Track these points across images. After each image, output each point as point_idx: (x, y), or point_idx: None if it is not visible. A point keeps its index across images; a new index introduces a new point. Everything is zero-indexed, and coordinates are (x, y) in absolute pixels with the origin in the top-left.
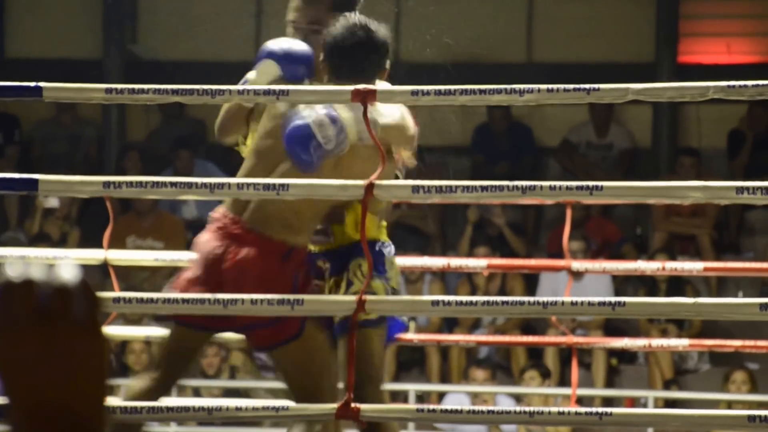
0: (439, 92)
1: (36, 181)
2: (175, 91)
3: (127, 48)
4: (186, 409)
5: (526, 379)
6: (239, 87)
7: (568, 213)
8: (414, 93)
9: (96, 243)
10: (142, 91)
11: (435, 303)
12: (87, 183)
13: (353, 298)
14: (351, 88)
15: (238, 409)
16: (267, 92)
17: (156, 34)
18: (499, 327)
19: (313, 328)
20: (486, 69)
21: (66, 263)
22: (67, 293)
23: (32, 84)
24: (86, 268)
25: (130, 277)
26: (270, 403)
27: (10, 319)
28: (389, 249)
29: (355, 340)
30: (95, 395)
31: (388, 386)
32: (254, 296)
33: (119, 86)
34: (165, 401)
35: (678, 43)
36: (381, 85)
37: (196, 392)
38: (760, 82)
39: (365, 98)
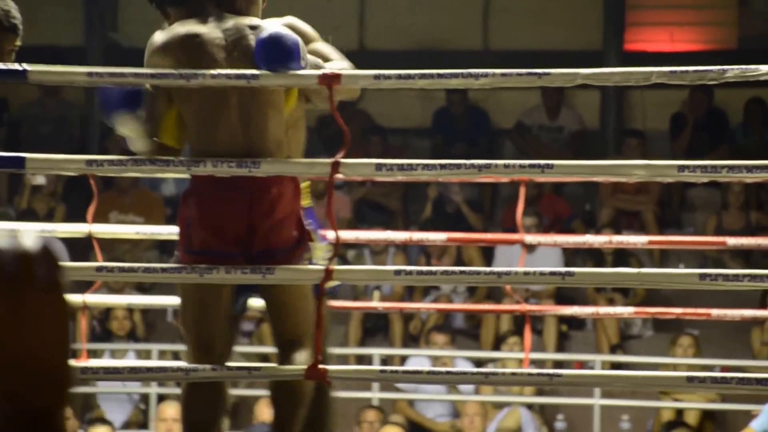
0: (399, 76)
1: (23, 159)
2: (152, 75)
3: (107, 35)
4: (164, 369)
5: (509, 344)
6: (212, 72)
7: (522, 191)
8: (377, 77)
9: (81, 218)
10: (122, 74)
11: (398, 272)
12: (71, 161)
13: (321, 267)
14: (318, 72)
15: (213, 369)
16: (239, 77)
17: (135, 23)
18: (469, 298)
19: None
20: (445, 56)
21: (29, 232)
22: (29, 259)
23: (18, 67)
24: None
25: (114, 249)
26: (244, 365)
27: None
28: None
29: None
30: (59, 352)
31: (354, 350)
32: (230, 266)
33: (101, 69)
34: (146, 363)
35: (624, 32)
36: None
37: (176, 356)
38: (700, 68)
39: (330, 82)
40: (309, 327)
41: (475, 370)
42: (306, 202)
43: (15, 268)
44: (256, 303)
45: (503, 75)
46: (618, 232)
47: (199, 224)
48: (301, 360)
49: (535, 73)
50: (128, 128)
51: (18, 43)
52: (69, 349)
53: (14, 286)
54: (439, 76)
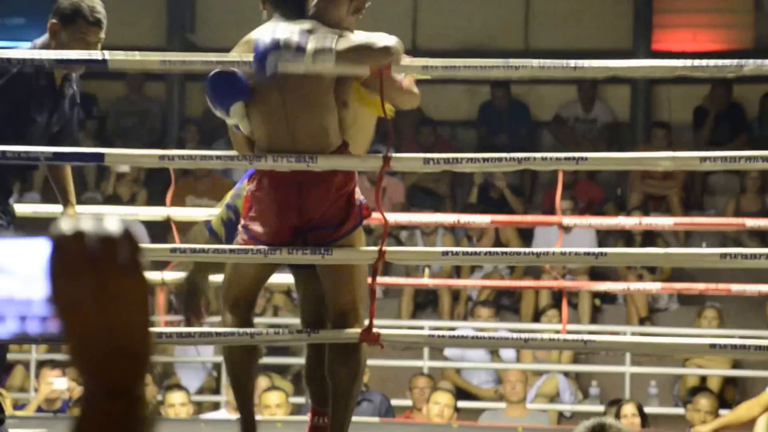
0: (446, 67)
1: (102, 155)
2: (219, 62)
3: (186, 36)
4: (232, 333)
5: (549, 316)
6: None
7: (560, 177)
8: (425, 67)
9: (160, 202)
10: (191, 62)
11: (445, 253)
12: (146, 156)
13: (376, 249)
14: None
15: (276, 333)
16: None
17: (211, 24)
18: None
19: (360, 236)
20: (489, 54)
21: (112, 217)
22: (112, 242)
23: (99, 56)
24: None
25: (189, 230)
26: (303, 330)
27: (65, 266)
28: None
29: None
30: (140, 328)
31: (406, 323)
32: (292, 247)
33: (172, 58)
34: (215, 328)
35: (652, 33)
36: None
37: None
38: (720, 62)
39: (381, 72)
40: (360, 299)
41: (515, 335)
42: None
43: (99, 251)
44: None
45: (540, 67)
46: (646, 214)
47: (256, 215)
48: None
49: (569, 66)
50: (238, 117)
51: (102, 36)
52: (149, 326)
53: (98, 268)
54: (482, 67)
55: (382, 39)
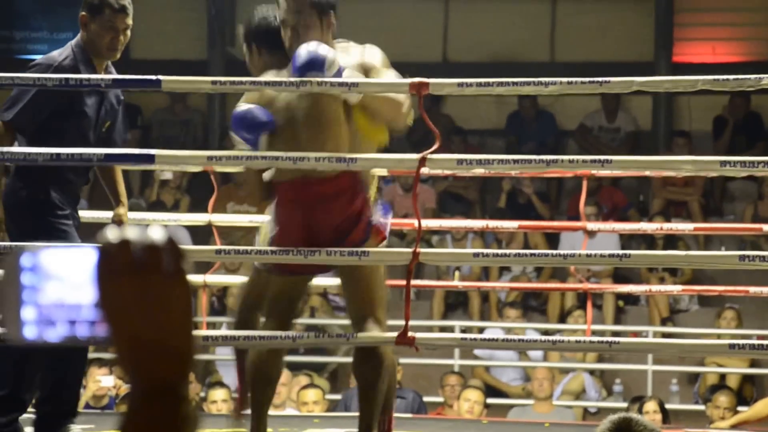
0: (480, 84)
1: (153, 156)
2: (267, 83)
3: (227, 50)
4: (275, 337)
5: (575, 316)
6: (317, 79)
7: (584, 183)
8: (460, 85)
9: (202, 208)
10: (241, 82)
11: (476, 255)
12: (194, 157)
13: (410, 250)
14: (409, 80)
15: (317, 336)
16: (342, 84)
17: None
18: (530, 277)
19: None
20: (517, 67)
21: (155, 224)
22: (157, 249)
23: (153, 77)
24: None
25: (230, 235)
26: (342, 333)
27: (111, 272)
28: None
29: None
30: (183, 331)
31: (438, 323)
32: (329, 249)
33: (223, 78)
34: (258, 332)
35: (673, 46)
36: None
37: None
38: (739, 76)
39: (419, 89)
40: (379, 304)
41: (544, 338)
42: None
43: (144, 258)
44: None
45: (569, 83)
46: (668, 219)
47: (277, 237)
48: (374, 332)
49: (597, 81)
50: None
51: (129, 21)
52: (191, 328)
53: (143, 273)
54: (514, 83)
55: (401, 97)
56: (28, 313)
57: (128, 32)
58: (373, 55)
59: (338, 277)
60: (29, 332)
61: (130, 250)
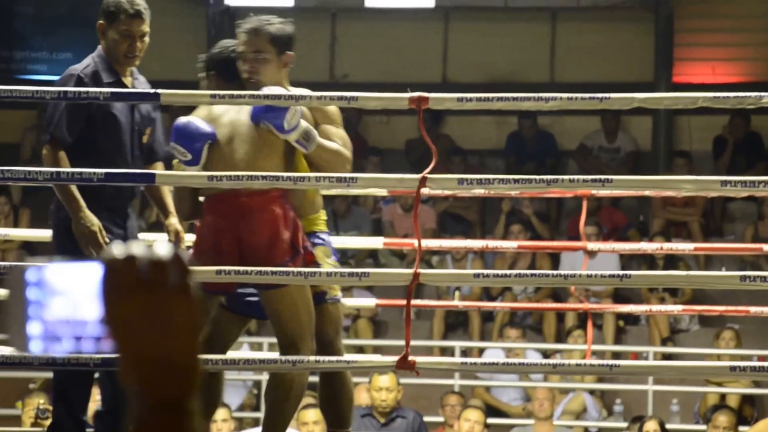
0: (480, 99)
1: (153, 175)
2: (266, 96)
3: None
4: (275, 361)
5: (574, 336)
6: (317, 93)
7: (584, 203)
8: (460, 99)
9: None
10: (240, 96)
11: (477, 275)
12: (195, 177)
13: (410, 271)
14: (408, 95)
15: (317, 361)
16: (341, 98)
17: None
18: (530, 297)
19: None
20: (517, 87)
21: (161, 242)
22: (163, 266)
23: (152, 91)
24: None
25: None
26: (342, 357)
27: (118, 288)
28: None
29: (322, 312)
30: (189, 347)
31: (438, 343)
32: (331, 269)
33: (221, 92)
34: (258, 355)
35: (672, 67)
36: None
37: None
38: (739, 94)
39: (419, 104)
40: (299, 333)
41: (545, 361)
42: (321, 227)
43: (150, 273)
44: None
45: (569, 99)
46: (668, 239)
47: (199, 248)
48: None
49: (597, 98)
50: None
51: (145, 28)
52: (198, 344)
53: (150, 290)
54: (514, 98)
55: (344, 151)
56: (34, 328)
57: (146, 39)
58: (327, 109)
59: (262, 300)
60: (35, 347)
61: (136, 266)
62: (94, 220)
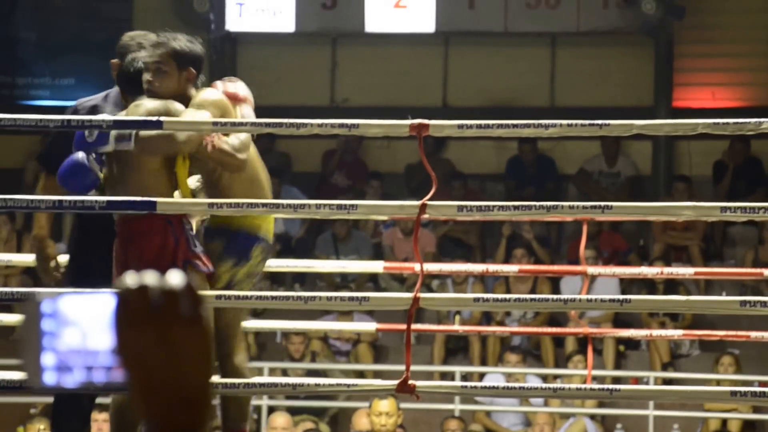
0: (480, 126)
1: (154, 203)
2: (267, 124)
3: None
4: (275, 384)
5: (574, 361)
6: (318, 121)
7: (584, 228)
8: (460, 126)
9: None
10: (242, 123)
11: (477, 300)
12: (196, 204)
13: (410, 295)
14: (409, 122)
15: (317, 385)
16: (342, 126)
17: (250, 85)
18: (530, 321)
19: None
20: (517, 112)
21: (173, 272)
22: (175, 296)
23: (154, 119)
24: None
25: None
26: (342, 381)
27: (131, 318)
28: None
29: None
30: (202, 377)
31: (438, 368)
32: (330, 294)
33: (224, 120)
34: (259, 379)
35: (672, 91)
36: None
37: (284, 372)
38: (739, 120)
39: (420, 131)
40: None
41: (545, 385)
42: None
43: (162, 304)
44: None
45: (569, 125)
46: (668, 264)
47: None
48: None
49: (596, 124)
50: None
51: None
52: (210, 374)
53: (161, 320)
54: (514, 126)
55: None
56: (48, 359)
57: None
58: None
59: None
60: (49, 378)
61: (148, 296)
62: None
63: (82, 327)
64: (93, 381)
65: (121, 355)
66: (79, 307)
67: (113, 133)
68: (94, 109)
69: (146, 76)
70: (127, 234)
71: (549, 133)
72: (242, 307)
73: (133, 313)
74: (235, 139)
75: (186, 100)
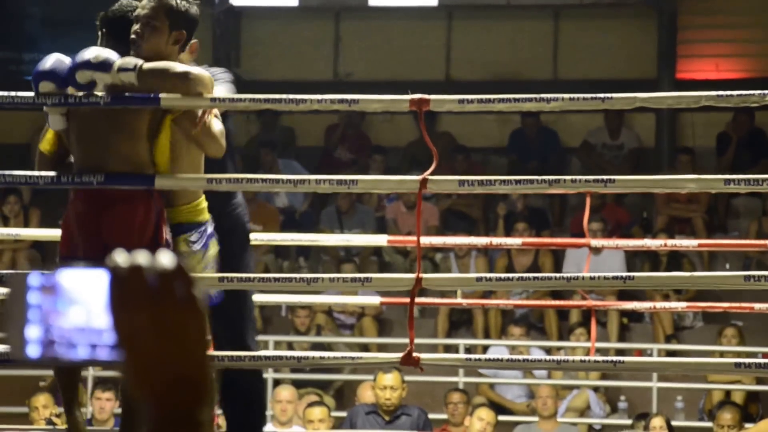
0: (481, 101)
1: (153, 178)
2: (266, 100)
3: (232, 71)
4: (280, 358)
5: (576, 334)
6: (317, 96)
7: (588, 201)
8: (461, 101)
9: None
10: (240, 100)
11: (479, 279)
12: (195, 179)
13: (413, 276)
14: (409, 97)
15: (322, 358)
16: (341, 101)
17: (256, 59)
18: (532, 294)
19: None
20: (520, 85)
21: (165, 253)
22: (169, 277)
23: (152, 95)
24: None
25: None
26: (347, 354)
27: (126, 300)
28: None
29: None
30: (199, 359)
31: (442, 341)
32: (333, 275)
33: (222, 95)
34: (264, 352)
35: (676, 63)
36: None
37: (289, 346)
38: (742, 92)
39: (420, 106)
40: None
41: (549, 357)
42: (203, 217)
43: (156, 286)
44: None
45: (571, 99)
46: (672, 236)
47: (66, 233)
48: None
49: (599, 98)
50: (59, 126)
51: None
52: (207, 355)
53: (156, 302)
54: (515, 100)
55: (186, 68)
56: (32, 332)
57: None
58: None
59: None
60: (32, 351)
61: (143, 277)
62: None
63: (86, 304)
64: (97, 358)
65: (118, 335)
66: (82, 284)
67: (118, 61)
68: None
69: (135, 27)
70: (101, 200)
71: (551, 107)
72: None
73: (129, 295)
74: (219, 124)
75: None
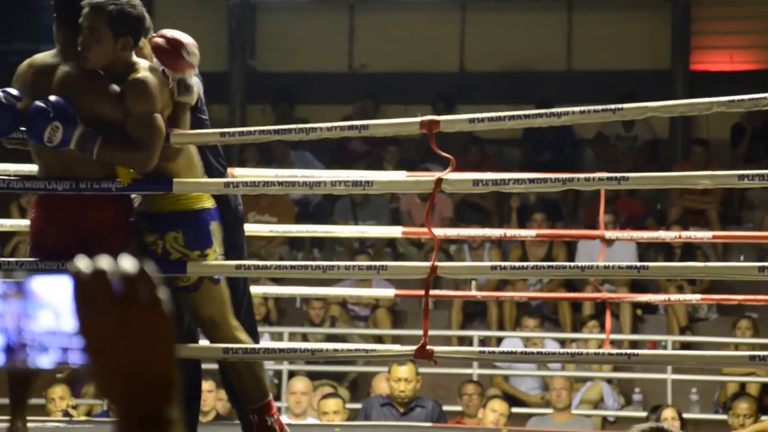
0: (491, 119)
1: (170, 182)
2: (275, 131)
3: (247, 62)
4: (295, 350)
5: (590, 327)
6: (327, 125)
7: (602, 192)
8: (471, 121)
9: None
10: (250, 133)
11: (494, 267)
12: (212, 184)
13: (428, 264)
14: (419, 119)
15: (336, 350)
16: (351, 128)
17: (271, 50)
18: (546, 286)
19: (208, 283)
20: (533, 76)
21: (126, 257)
22: (132, 280)
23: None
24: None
25: (251, 245)
26: (361, 346)
27: (91, 302)
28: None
29: (186, 304)
30: (165, 359)
31: (456, 333)
32: (348, 263)
33: (231, 130)
34: (278, 344)
35: (690, 55)
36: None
37: (304, 337)
38: (755, 96)
39: (430, 127)
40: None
41: (563, 350)
42: (210, 203)
43: (121, 288)
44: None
45: (582, 112)
46: (686, 228)
47: (37, 240)
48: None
49: (610, 109)
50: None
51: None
52: (173, 354)
53: (121, 304)
54: (526, 117)
55: (139, 147)
56: None
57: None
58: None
59: None
60: None
61: (107, 280)
62: None
63: (56, 308)
64: (68, 362)
65: (84, 340)
66: (53, 288)
67: (76, 135)
68: None
69: (79, 39)
70: (76, 199)
71: (561, 121)
72: (223, 296)
73: (94, 298)
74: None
75: (121, 68)
